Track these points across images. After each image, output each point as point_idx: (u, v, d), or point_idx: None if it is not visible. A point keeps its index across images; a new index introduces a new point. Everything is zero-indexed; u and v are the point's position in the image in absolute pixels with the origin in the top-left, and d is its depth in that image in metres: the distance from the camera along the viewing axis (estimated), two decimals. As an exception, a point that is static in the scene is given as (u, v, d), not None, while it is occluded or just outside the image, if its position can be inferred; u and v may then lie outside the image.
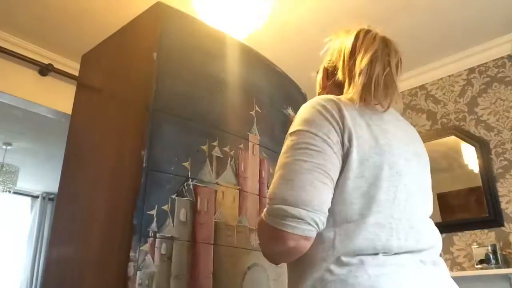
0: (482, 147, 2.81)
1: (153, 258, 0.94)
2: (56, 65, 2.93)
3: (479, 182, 2.78)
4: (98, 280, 1.01)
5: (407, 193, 0.82)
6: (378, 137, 0.82)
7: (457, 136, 2.94)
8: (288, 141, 0.81)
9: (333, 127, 0.79)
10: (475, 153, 2.84)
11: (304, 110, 0.84)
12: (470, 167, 2.88)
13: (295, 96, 1.58)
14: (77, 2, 2.41)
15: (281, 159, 0.80)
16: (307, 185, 0.74)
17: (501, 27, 2.68)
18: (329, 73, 1.02)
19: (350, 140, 0.79)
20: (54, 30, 2.68)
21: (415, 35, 2.70)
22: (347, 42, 0.97)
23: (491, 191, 2.72)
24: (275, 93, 1.46)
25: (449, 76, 3.05)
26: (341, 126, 0.80)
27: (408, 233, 0.79)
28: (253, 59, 1.41)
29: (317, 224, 0.73)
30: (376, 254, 0.76)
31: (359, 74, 0.87)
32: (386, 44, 0.97)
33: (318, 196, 0.74)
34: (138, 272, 0.91)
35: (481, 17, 2.57)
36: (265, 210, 0.77)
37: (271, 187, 0.78)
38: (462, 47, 2.89)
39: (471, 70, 2.97)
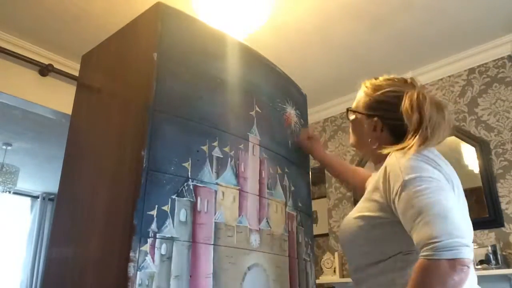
0: (482, 147, 2.81)
1: (153, 258, 0.94)
2: (56, 65, 2.93)
3: (479, 183, 2.78)
4: (98, 280, 1.01)
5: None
6: (455, 182, 1.01)
7: (457, 137, 2.94)
8: (411, 187, 0.91)
9: (439, 171, 0.96)
10: (475, 153, 2.84)
11: (405, 158, 0.97)
12: (470, 167, 2.88)
13: (295, 96, 1.57)
14: (77, 2, 2.41)
15: (417, 202, 0.89)
16: (458, 219, 0.87)
17: (501, 28, 2.68)
18: (388, 127, 1.12)
19: (452, 182, 0.98)
20: (54, 30, 2.68)
21: (415, 35, 2.70)
22: (411, 110, 1.06)
23: (491, 191, 2.72)
24: (275, 93, 1.46)
25: (449, 76, 3.05)
26: (444, 171, 0.97)
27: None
28: (253, 59, 1.41)
29: (471, 247, 0.86)
30: None
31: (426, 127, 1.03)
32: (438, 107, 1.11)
33: (466, 227, 0.89)
34: (138, 272, 0.91)
35: (481, 18, 2.57)
36: (429, 250, 0.83)
37: (425, 228, 0.86)
38: (462, 47, 2.89)
39: (471, 71, 2.97)
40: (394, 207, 0.95)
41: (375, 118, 1.13)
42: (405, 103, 1.05)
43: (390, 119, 1.10)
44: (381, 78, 1.19)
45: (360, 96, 1.21)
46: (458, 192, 1.00)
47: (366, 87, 1.19)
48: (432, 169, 0.94)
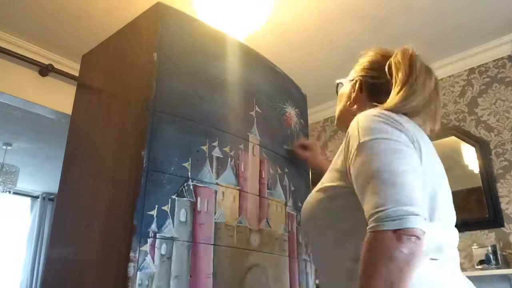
0: (482, 147, 2.81)
1: (153, 259, 0.94)
2: (56, 66, 2.93)
3: (479, 183, 2.78)
4: (98, 280, 1.01)
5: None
6: (429, 155, 0.88)
7: (457, 137, 2.94)
8: (365, 150, 0.82)
9: (405, 134, 0.84)
10: (475, 153, 2.84)
11: (365, 119, 0.87)
12: (470, 167, 2.88)
13: (295, 96, 1.58)
14: (77, 2, 2.41)
15: (367, 167, 0.80)
16: (411, 185, 0.76)
17: (501, 28, 2.68)
18: (366, 86, 1.06)
19: (420, 150, 0.85)
20: (54, 30, 2.68)
21: (415, 35, 2.70)
22: (402, 61, 0.99)
23: (491, 191, 2.72)
24: (275, 93, 1.46)
25: (449, 76, 3.05)
26: (410, 135, 0.85)
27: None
28: (253, 59, 1.41)
29: (426, 219, 0.75)
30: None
31: (410, 92, 0.93)
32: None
33: (421, 195, 0.77)
34: (138, 273, 0.91)
35: (481, 18, 2.57)
36: (373, 221, 0.74)
37: (372, 197, 0.76)
38: (462, 47, 2.89)
39: (471, 71, 2.97)
40: (350, 174, 0.86)
41: (355, 79, 1.08)
42: (397, 56, 0.99)
43: (371, 77, 1.04)
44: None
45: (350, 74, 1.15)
46: (429, 162, 0.86)
47: (355, 66, 1.14)
48: (392, 130, 0.83)
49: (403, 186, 0.75)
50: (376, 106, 0.92)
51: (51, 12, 2.50)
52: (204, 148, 1.13)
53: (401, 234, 0.71)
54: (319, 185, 0.97)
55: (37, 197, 6.17)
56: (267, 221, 1.25)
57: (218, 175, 1.14)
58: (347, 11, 2.48)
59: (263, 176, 1.29)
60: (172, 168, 1.04)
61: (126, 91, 1.18)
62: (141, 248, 0.93)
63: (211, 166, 1.13)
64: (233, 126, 1.23)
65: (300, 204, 1.43)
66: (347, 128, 0.91)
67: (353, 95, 1.07)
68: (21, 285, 5.75)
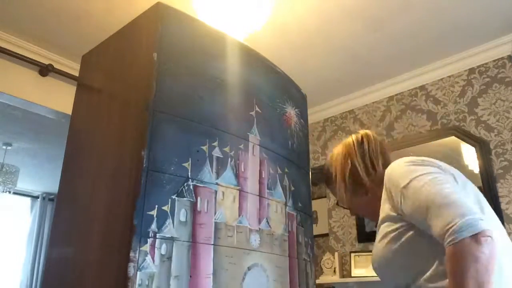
0: (482, 147, 2.81)
1: (153, 259, 0.94)
2: (56, 66, 2.93)
3: (479, 183, 2.78)
4: (98, 280, 1.01)
5: None
6: None
7: (457, 137, 2.93)
8: (410, 190, 0.97)
9: (430, 166, 1.03)
10: (475, 153, 2.84)
11: (395, 169, 1.07)
12: (470, 167, 2.87)
13: (295, 97, 1.58)
14: (77, 2, 2.41)
15: (420, 202, 0.93)
16: (462, 200, 0.89)
17: (501, 28, 2.68)
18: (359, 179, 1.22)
19: (450, 172, 1.03)
20: (54, 30, 2.68)
21: (415, 35, 2.70)
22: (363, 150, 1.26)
23: (491, 191, 2.72)
24: (275, 93, 1.46)
25: (449, 76, 3.05)
26: (433, 165, 1.04)
27: None
28: (253, 59, 1.41)
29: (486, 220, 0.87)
30: None
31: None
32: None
33: (473, 205, 0.92)
34: (138, 273, 0.91)
35: (481, 18, 2.57)
36: (449, 236, 0.84)
37: (437, 221, 0.88)
38: (462, 47, 2.89)
39: (471, 71, 2.97)
40: (404, 214, 0.99)
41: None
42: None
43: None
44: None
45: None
46: (461, 181, 1.03)
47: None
48: (422, 168, 0.99)
49: (457, 202, 0.88)
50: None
51: (51, 12, 2.50)
52: (204, 148, 1.13)
53: (478, 237, 0.82)
54: (379, 237, 1.08)
55: (37, 197, 6.17)
56: (267, 221, 1.25)
57: (218, 175, 1.14)
58: (348, 12, 2.48)
59: (263, 176, 1.29)
60: (172, 168, 1.04)
61: (126, 91, 1.18)
62: (141, 248, 0.93)
63: (211, 166, 1.13)
64: (233, 126, 1.23)
65: (300, 204, 1.43)
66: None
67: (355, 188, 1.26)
68: (21, 285, 5.74)
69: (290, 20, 2.56)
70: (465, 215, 0.84)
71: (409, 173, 0.99)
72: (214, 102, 1.21)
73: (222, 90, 1.24)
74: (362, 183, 1.20)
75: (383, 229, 1.06)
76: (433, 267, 0.95)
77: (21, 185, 5.49)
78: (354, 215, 1.35)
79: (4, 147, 4.46)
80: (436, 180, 0.95)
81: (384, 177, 1.07)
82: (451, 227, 0.84)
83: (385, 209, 1.06)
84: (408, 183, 0.97)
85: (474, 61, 2.95)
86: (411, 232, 1.00)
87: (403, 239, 1.01)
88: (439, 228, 0.87)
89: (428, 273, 0.96)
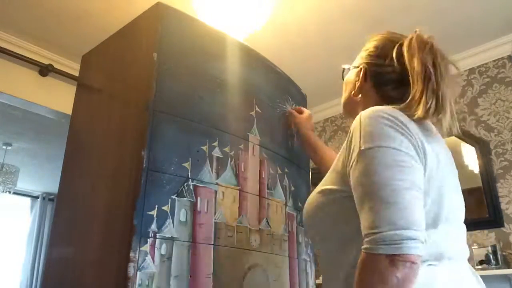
0: (482, 147, 2.81)
1: (153, 259, 0.94)
2: (56, 66, 2.93)
3: (479, 183, 2.78)
4: (98, 281, 1.01)
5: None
6: (439, 156, 0.83)
7: (457, 137, 2.93)
8: (366, 159, 0.76)
9: (409, 140, 0.77)
10: (475, 153, 2.84)
11: (369, 121, 0.80)
12: (470, 167, 2.88)
13: (295, 97, 1.57)
14: (77, 2, 2.41)
15: (366, 180, 0.75)
16: (411, 205, 0.72)
17: (501, 28, 2.68)
18: (371, 74, 0.98)
19: (425, 155, 0.78)
20: (54, 30, 2.68)
21: (415, 36, 2.70)
22: (417, 50, 0.88)
23: (491, 191, 2.72)
24: (275, 94, 1.46)
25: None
26: (414, 140, 0.78)
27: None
28: (253, 59, 1.41)
29: (424, 242, 0.71)
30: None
31: (432, 90, 0.83)
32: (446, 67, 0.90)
33: (421, 215, 0.73)
34: (138, 273, 0.91)
35: (481, 18, 2.57)
36: (368, 242, 0.71)
37: (369, 215, 0.73)
38: (462, 47, 2.89)
39: (471, 71, 2.97)
40: (349, 180, 0.81)
41: (360, 67, 1.01)
42: (411, 44, 0.89)
43: (376, 64, 0.97)
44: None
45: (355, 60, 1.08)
46: (433, 161, 0.80)
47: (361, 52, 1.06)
48: (396, 135, 0.77)
49: (402, 206, 0.71)
50: (382, 97, 0.91)
51: (51, 12, 2.50)
52: (204, 148, 1.13)
53: (396, 259, 0.68)
54: (320, 186, 0.93)
55: (37, 197, 6.17)
56: (267, 221, 1.25)
57: (218, 175, 1.14)
58: (348, 12, 2.48)
59: (263, 176, 1.29)
60: (172, 168, 1.04)
61: (126, 91, 1.18)
62: (141, 248, 0.93)
63: (211, 166, 1.13)
64: (233, 126, 1.23)
65: (300, 204, 1.43)
66: (354, 117, 0.85)
67: (357, 83, 1.00)
68: (21, 285, 5.75)
69: (290, 20, 2.56)
70: (396, 226, 0.69)
71: (378, 136, 0.77)
72: (214, 102, 1.20)
73: (222, 90, 1.24)
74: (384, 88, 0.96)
75: (326, 178, 0.91)
76: (355, 251, 0.79)
77: (21, 185, 5.49)
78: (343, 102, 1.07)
79: (4, 147, 4.46)
80: (400, 165, 0.74)
81: (354, 121, 0.84)
82: (374, 233, 0.70)
83: (338, 163, 0.87)
84: (370, 148, 0.76)
85: (474, 61, 2.95)
86: (346, 198, 0.83)
87: (334, 203, 0.87)
88: (365, 224, 0.73)
89: (350, 256, 0.82)
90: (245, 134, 1.27)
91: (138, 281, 0.90)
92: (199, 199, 1.07)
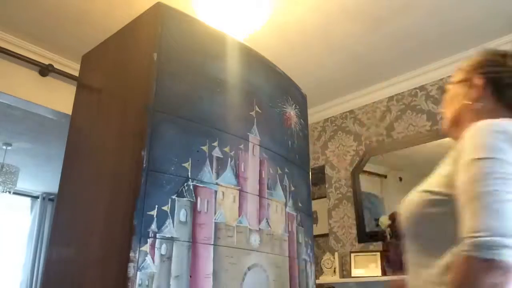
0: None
1: (153, 259, 0.94)
2: (56, 66, 2.93)
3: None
4: (98, 280, 1.01)
5: None
6: None
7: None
8: (475, 168, 0.81)
9: None
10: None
11: (481, 133, 0.85)
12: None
13: (295, 97, 1.58)
14: (77, 2, 2.41)
15: (473, 187, 0.80)
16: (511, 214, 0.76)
17: (501, 28, 2.68)
18: (489, 81, 1.00)
19: None
20: (55, 30, 2.68)
21: (415, 35, 2.70)
22: None
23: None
24: (275, 94, 1.46)
25: (449, 76, 3.05)
26: None
27: None
28: (253, 59, 1.41)
29: None
30: None
31: None
32: None
33: None
34: (138, 273, 0.91)
35: (481, 17, 2.57)
36: (467, 245, 0.75)
37: (471, 218, 0.77)
38: (462, 47, 2.89)
39: (471, 71, 2.96)
40: (455, 186, 0.85)
41: (475, 76, 1.02)
42: None
43: (493, 72, 1.00)
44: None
45: (456, 77, 1.10)
46: None
47: (459, 69, 1.09)
48: (507, 149, 0.81)
49: (504, 214, 0.75)
50: (505, 104, 0.96)
51: (51, 12, 2.50)
52: (204, 148, 1.13)
53: (492, 264, 0.72)
54: (425, 186, 0.96)
55: (37, 197, 6.17)
56: (267, 221, 1.25)
57: (218, 175, 1.14)
58: (348, 12, 2.48)
59: (263, 176, 1.29)
60: (172, 168, 1.04)
61: (126, 91, 1.18)
62: (141, 248, 0.93)
63: (211, 166, 1.13)
64: (233, 126, 1.23)
65: (300, 204, 1.43)
66: (457, 130, 0.94)
67: (473, 92, 1.01)
68: (21, 285, 5.75)
69: (290, 20, 2.56)
70: (496, 233, 0.73)
71: (490, 148, 0.82)
72: (214, 102, 1.21)
73: (222, 90, 1.24)
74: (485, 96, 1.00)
75: (432, 184, 0.94)
76: (445, 255, 0.85)
77: (21, 185, 5.49)
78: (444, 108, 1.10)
79: (4, 147, 4.46)
80: (507, 179, 0.79)
81: (468, 131, 0.88)
82: (474, 236, 0.74)
83: (446, 168, 0.93)
84: (480, 159, 0.81)
85: (474, 61, 2.94)
86: (446, 208, 0.87)
87: (440, 206, 0.90)
88: (466, 227, 0.77)
89: (439, 259, 0.87)
90: (245, 134, 1.27)
91: (138, 281, 0.90)
92: (199, 199, 1.07)
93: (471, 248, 0.74)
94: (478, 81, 1.01)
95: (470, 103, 1.02)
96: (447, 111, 1.10)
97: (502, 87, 0.98)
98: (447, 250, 0.86)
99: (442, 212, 0.90)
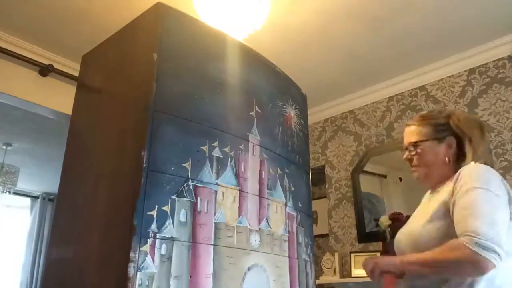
0: (482, 147, 2.81)
1: (153, 259, 0.94)
2: (56, 66, 2.93)
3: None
4: (98, 281, 1.01)
5: None
6: None
7: (457, 137, 2.93)
8: (474, 194, 1.06)
9: (504, 186, 1.11)
10: (475, 153, 2.84)
11: (478, 170, 1.13)
12: (470, 167, 2.87)
13: (295, 97, 1.57)
14: (77, 2, 2.41)
15: (471, 205, 1.04)
16: (503, 230, 1.00)
17: (501, 28, 2.68)
18: (457, 143, 1.24)
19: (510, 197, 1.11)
20: (54, 30, 2.68)
21: (415, 35, 2.70)
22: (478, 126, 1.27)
23: (491, 191, 2.72)
24: (275, 94, 1.46)
25: (449, 76, 3.05)
26: (506, 187, 1.11)
27: None
28: (253, 59, 1.41)
29: (502, 259, 0.97)
30: None
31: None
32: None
33: (507, 242, 0.99)
34: (138, 273, 0.91)
35: (481, 18, 2.57)
36: (471, 240, 0.97)
37: (471, 220, 1.00)
38: (462, 47, 2.89)
39: (471, 71, 2.96)
40: (452, 207, 1.08)
41: (448, 137, 1.24)
42: (465, 121, 1.25)
43: (460, 136, 1.24)
44: (420, 113, 1.37)
45: (416, 130, 1.30)
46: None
47: (417, 121, 1.31)
48: (498, 183, 1.09)
49: (496, 226, 0.98)
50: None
51: (51, 12, 2.50)
52: (204, 148, 1.13)
53: (479, 259, 0.95)
54: (426, 216, 1.16)
55: (37, 197, 6.17)
56: (267, 221, 1.25)
57: (218, 175, 1.14)
58: (348, 12, 2.48)
59: (263, 176, 1.29)
60: (172, 168, 1.04)
61: (126, 91, 1.18)
62: (141, 248, 0.93)
63: (211, 166, 1.13)
64: (233, 126, 1.23)
65: (300, 204, 1.43)
66: (436, 183, 1.22)
67: (450, 151, 1.24)
68: (21, 285, 5.74)
69: (290, 19, 2.56)
70: (492, 240, 0.95)
71: (486, 180, 1.08)
72: (214, 102, 1.20)
73: (222, 90, 1.24)
74: (454, 152, 1.24)
75: (433, 218, 1.14)
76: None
77: (21, 185, 5.48)
78: (412, 164, 1.33)
79: (4, 147, 4.46)
80: (497, 206, 1.04)
81: (466, 169, 1.14)
82: (475, 234, 0.96)
83: (445, 196, 1.13)
84: (478, 187, 1.06)
85: (474, 61, 2.94)
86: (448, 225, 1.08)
87: (438, 223, 1.11)
88: (468, 225, 0.99)
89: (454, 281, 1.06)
90: (245, 134, 1.27)
91: (138, 281, 0.90)
92: (199, 199, 1.07)
93: (472, 244, 0.96)
94: (453, 141, 1.24)
95: (448, 159, 1.23)
96: (423, 167, 1.28)
97: (461, 149, 1.23)
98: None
99: (439, 226, 1.11)
